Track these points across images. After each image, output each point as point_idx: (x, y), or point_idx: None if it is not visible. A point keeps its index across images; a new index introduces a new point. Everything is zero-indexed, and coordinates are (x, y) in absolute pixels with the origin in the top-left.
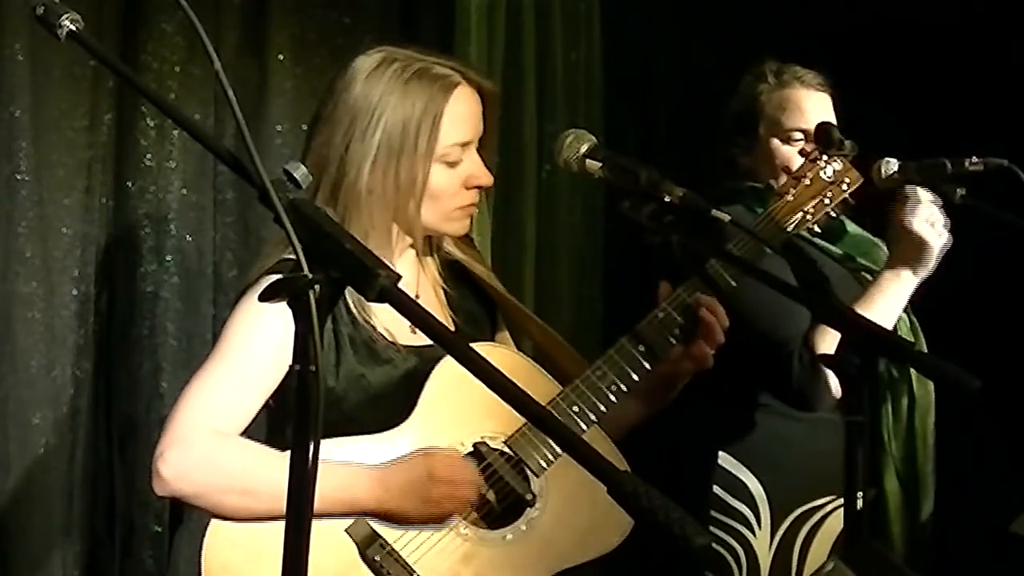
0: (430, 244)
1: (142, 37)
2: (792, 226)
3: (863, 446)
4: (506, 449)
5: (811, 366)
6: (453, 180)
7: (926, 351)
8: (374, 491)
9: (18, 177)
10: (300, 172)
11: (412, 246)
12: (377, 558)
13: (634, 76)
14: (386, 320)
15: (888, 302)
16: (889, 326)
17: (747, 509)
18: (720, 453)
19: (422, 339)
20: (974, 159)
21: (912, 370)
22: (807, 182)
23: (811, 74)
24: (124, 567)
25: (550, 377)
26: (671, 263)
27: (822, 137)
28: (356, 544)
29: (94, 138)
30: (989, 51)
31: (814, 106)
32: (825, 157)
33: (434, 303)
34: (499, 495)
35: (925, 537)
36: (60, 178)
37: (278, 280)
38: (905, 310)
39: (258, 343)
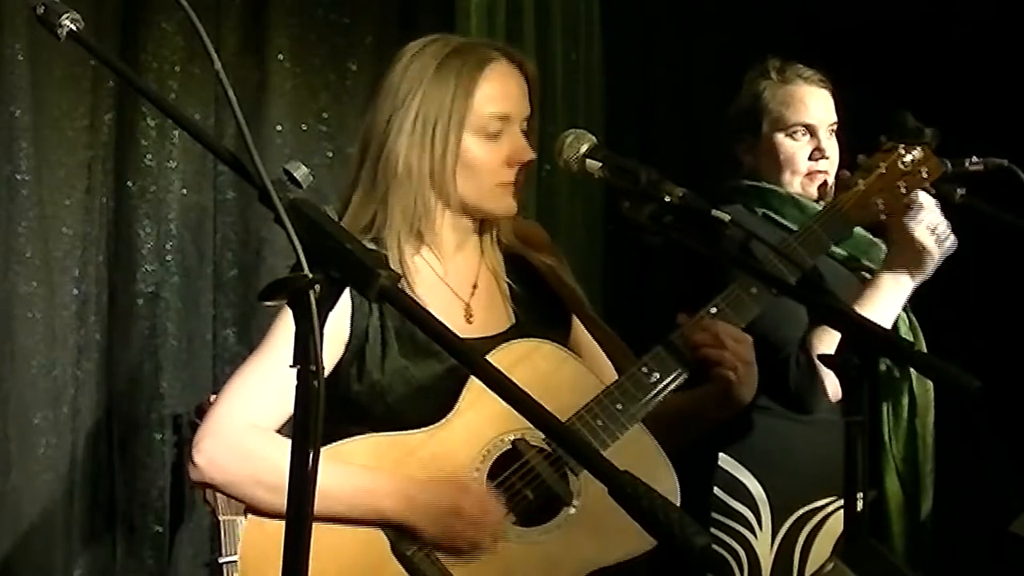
0: (492, 236)
1: (142, 37)
2: (859, 219)
3: (863, 446)
4: (546, 446)
5: (808, 368)
6: (492, 154)
7: (926, 351)
8: (399, 503)
9: (18, 177)
10: (300, 172)
11: (474, 233)
12: (409, 553)
13: (634, 76)
14: (439, 312)
15: (885, 304)
16: (886, 326)
17: (748, 510)
18: (720, 455)
19: (475, 331)
20: (974, 159)
21: (912, 369)
22: (882, 170)
23: (813, 71)
24: (124, 567)
25: (595, 375)
26: (672, 263)
27: (895, 125)
28: (389, 539)
29: (94, 138)
30: (989, 51)
31: (816, 102)
32: (903, 145)
33: (495, 294)
34: (537, 493)
35: (926, 537)
36: (60, 178)
37: (278, 280)
38: (905, 309)
39: None
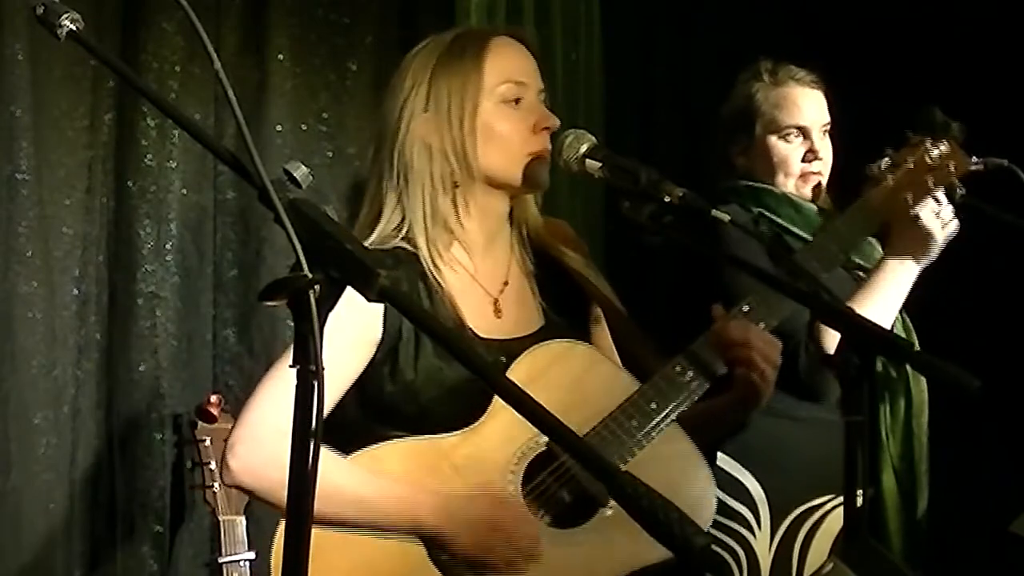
0: (522, 233)
1: (142, 37)
2: (889, 212)
3: (863, 445)
4: None
5: (817, 357)
6: (518, 122)
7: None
8: (437, 516)
9: (19, 177)
10: (300, 172)
11: (505, 229)
12: (446, 559)
13: (634, 76)
14: (471, 312)
15: (893, 288)
16: (894, 313)
17: (747, 510)
18: (719, 454)
19: (505, 328)
20: (974, 159)
21: (908, 369)
22: (909, 165)
23: (805, 72)
24: (125, 567)
25: (629, 375)
26: (671, 263)
27: (922, 119)
28: (425, 545)
29: (95, 138)
30: (990, 51)
31: (809, 103)
32: (930, 140)
33: (526, 292)
34: (573, 494)
35: (921, 534)
36: (61, 178)
37: (278, 280)
38: (900, 309)
39: (333, 340)
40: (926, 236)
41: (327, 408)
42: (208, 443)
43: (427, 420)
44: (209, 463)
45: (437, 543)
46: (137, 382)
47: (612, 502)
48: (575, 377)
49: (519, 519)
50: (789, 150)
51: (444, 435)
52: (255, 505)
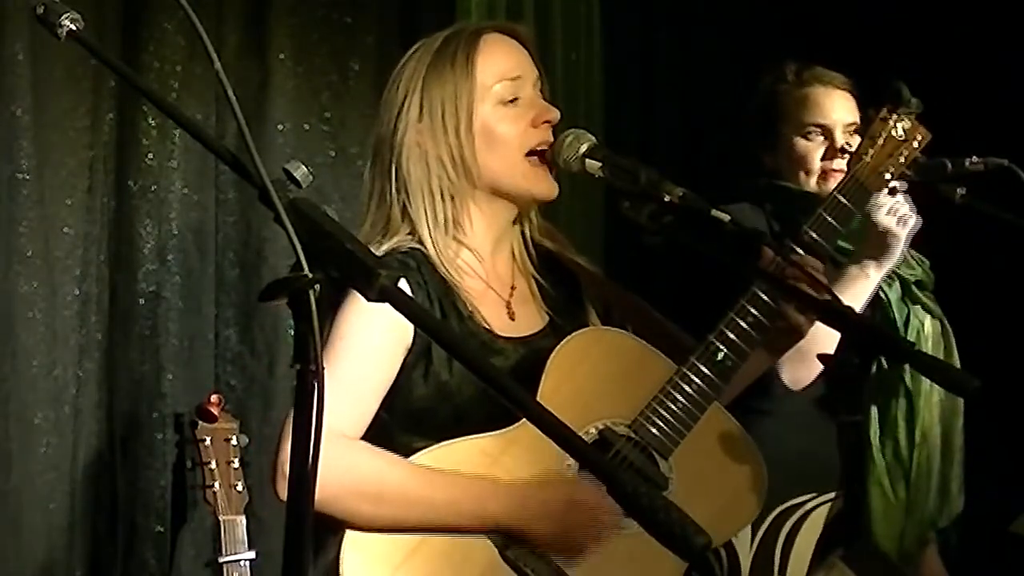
0: (524, 240)
1: (143, 37)
2: (875, 187)
3: (862, 446)
4: (632, 434)
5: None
6: (515, 121)
7: (956, 354)
8: (510, 508)
9: (20, 177)
10: (300, 172)
11: (509, 232)
12: (519, 556)
13: (634, 76)
14: (487, 313)
15: (852, 297)
16: None
17: None
18: None
19: (523, 329)
20: (974, 159)
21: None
22: (880, 142)
23: (832, 74)
24: (126, 567)
25: (663, 356)
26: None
27: (891, 94)
28: (495, 545)
29: (96, 138)
30: (989, 51)
31: (832, 103)
32: (895, 116)
33: (528, 294)
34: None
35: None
36: (62, 178)
37: (278, 280)
38: (938, 317)
39: (368, 341)
40: (887, 237)
41: (370, 418)
42: (209, 443)
43: (461, 422)
44: (210, 463)
45: (515, 534)
46: (138, 382)
47: (671, 486)
48: (617, 358)
49: (596, 492)
50: (809, 148)
51: (484, 436)
52: (256, 505)
